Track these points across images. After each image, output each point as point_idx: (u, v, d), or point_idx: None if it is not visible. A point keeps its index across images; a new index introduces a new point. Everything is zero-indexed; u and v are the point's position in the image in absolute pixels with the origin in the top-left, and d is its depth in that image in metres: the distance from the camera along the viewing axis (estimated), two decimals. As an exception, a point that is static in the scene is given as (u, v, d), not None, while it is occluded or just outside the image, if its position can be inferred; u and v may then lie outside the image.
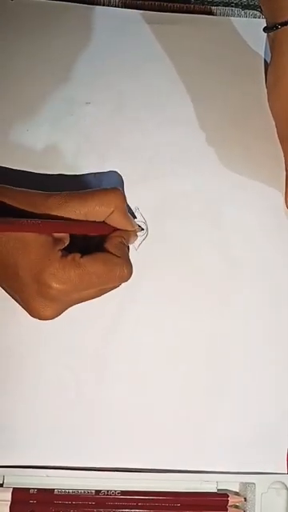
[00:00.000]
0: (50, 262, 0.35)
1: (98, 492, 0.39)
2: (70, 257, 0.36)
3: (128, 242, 0.40)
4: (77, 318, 0.40)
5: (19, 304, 0.37)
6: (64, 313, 0.38)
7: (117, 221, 0.39)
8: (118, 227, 0.39)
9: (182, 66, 0.48)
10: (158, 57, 0.48)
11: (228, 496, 0.39)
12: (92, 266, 0.36)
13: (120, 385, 0.41)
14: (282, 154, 0.45)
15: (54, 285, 0.35)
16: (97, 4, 0.50)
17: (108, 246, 0.38)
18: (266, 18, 0.47)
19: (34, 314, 0.37)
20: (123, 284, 0.39)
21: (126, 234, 0.40)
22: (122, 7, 0.50)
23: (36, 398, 0.40)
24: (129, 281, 0.39)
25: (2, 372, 0.40)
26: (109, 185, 0.43)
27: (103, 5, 0.50)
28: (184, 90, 0.47)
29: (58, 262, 0.35)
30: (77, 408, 0.40)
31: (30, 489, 0.39)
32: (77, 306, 0.38)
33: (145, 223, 0.43)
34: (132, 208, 0.43)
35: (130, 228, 0.40)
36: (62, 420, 0.40)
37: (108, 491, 0.39)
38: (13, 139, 0.44)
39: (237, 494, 0.40)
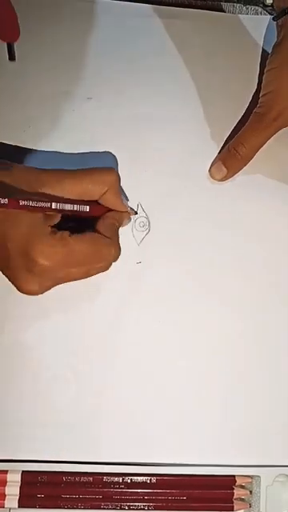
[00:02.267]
0: (38, 238, 0.35)
1: (104, 484, 0.39)
2: (58, 234, 0.36)
3: (120, 224, 0.40)
4: (79, 314, 0.41)
5: (8, 280, 0.37)
6: (65, 310, 0.38)
7: (110, 201, 0.39)
8: (111, 208, 0.39)
9: (183, 61, 0.48)
10: (159, 52, 0.48)
11: (235, 476, 0.40)
12: (80, 244, 0.36)
13: (123, 380, 0.41)
14: (283, 148, 0.45)
15: (41, 260, 0.35)
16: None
17: (99, 225, 0.39)
18: (275, 6, 0.47)
19: (20, 288, 0.37)
20: (126, 279, 0.39)
21: (119, 216, 0.40)
22: (123, 0, 0.50)
23: (39, 395, 0.40)
24: (131, 276, 0.39)
25: (6, 370, 0.41)
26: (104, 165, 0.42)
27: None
28: (185, 85, 0.47)
29: (46, 237, 0.36)
30: (79, 404, 0.40)
31: (39, 471, 0.39)
32: (78, 302, 0.38)
33: (147, 218, 0.44)
34: (134, 204, 0.44)
35: (122, 209, 0.40)
36: (65, 417, 0.40)
37: (114, 483, 0.39)
38: (14, 135, 0.45)
39: (242, 486, 0.40)
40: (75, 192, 0.37)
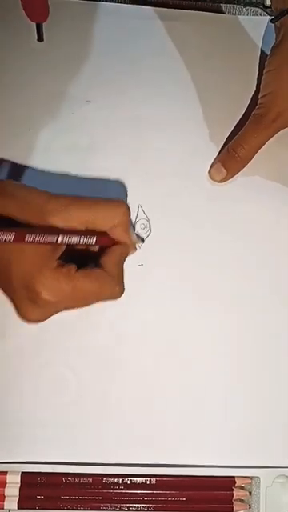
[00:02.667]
0: (44, 272, 0.35)
1: (103, 485, 0.39)
2: (65, 268, 0.36)
3: (126, 256, 0.40)
4: (80, 315, 0.40)
5: (11, 304, 0.37)
6: (66, 311, 0.38)
7: (119, 234, 0.38)
8: (119, 240, 0.38)
9: (182, 63, 0.48)
10: (159, 54, 0.48)
11: (234, 477, 0.40)
12: (85, 282, 0.36)
13: (123, 381, 0.41)
14: (283, 149, 0.46)
15: (45, 295, 0.35)
16: (97, 0, 0.50)
17: (105, 261, 0.38)
18: (273, 8, 0.47)
19: (21, 316, 0.37)
20: (127, 281, 0.39)
21: (125, 249, 0.39)
22: (122, 3, 0.51)
23: (39, 395, 0.40)
24: (133, 278, 0.40)
25: (6, 370, 0.41)
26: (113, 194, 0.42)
27: (104, 1, 0.50)
28: (185, 87, 0.48)
29: (51, 272, 0.35)
30: (78, 405, 0.40)
31: (38, 473, 0.39)
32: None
33: (147, 220, 0.44)
34: (135, 206, 0.44)
35: (130, 242, 0.39)
36: (65, 417, 0.40)
37: (114, 484, 0.39)
38: (14, 138, 0.45)
39: (242, 487, 0.40)
40: (82, 220, 0.36)
